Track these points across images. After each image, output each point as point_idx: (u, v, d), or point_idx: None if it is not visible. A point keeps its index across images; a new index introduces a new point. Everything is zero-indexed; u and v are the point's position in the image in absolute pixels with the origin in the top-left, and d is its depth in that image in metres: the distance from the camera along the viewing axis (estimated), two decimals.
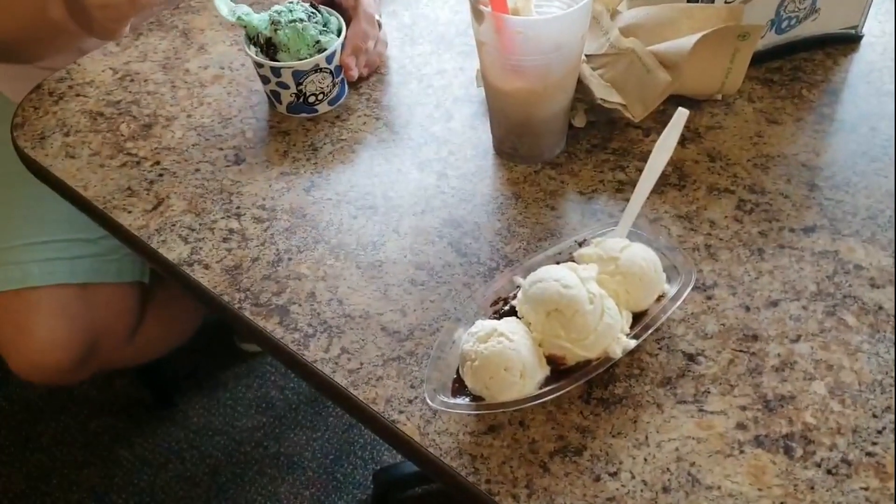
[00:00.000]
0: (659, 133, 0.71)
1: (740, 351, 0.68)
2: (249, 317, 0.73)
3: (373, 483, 1.52)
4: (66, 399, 1.69)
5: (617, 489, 0.60)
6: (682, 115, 0.69)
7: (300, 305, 0.73)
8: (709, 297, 0.71)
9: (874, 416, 0.63)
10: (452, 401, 0.63)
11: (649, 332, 0.65)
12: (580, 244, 0.71)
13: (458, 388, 0.64)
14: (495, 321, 0.64)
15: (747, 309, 0.70)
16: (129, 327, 1.24)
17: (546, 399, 0.62)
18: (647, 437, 0.63)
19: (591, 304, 0.63)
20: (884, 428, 0.62)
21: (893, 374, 0.65)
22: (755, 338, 0.68)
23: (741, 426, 0.63)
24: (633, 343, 0.64)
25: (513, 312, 0.66)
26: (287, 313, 0.73)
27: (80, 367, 1.17)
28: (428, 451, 0.63)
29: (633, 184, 0.72)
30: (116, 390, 1.71)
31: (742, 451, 0.62)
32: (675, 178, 0.81)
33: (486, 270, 0.74)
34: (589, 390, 0.66)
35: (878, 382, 0.65)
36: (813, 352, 0.67)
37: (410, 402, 0.66)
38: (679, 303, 0.66)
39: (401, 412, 0.66)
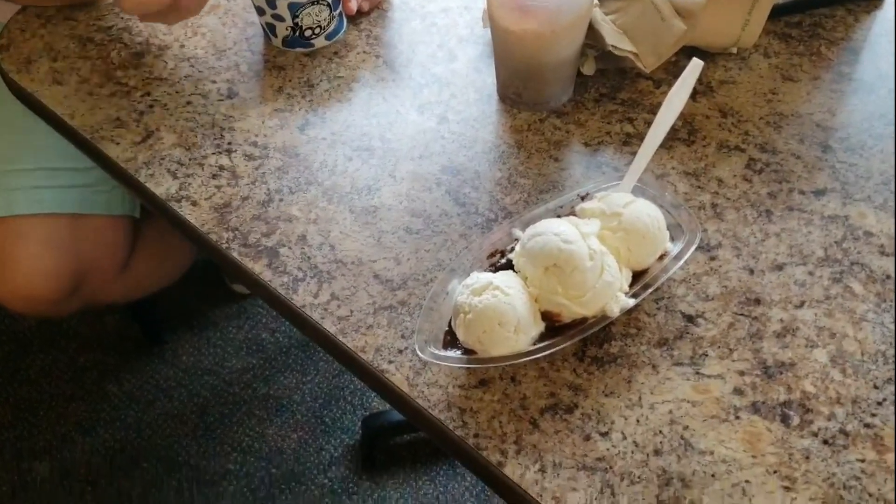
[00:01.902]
0: (671, 85, 0.68)
1: (741, 315, 0.66)
2: (237, 258, 0.70)
3: (361, 429, 1.52)
4: (55, 333, 1.68)
5: (607, 449, 0.59)
6: (696, 66, 0.66)
7: (290, 248, 0.71)
8: (712, 258, 0.69)
9: (875, 386, 0.61)
10: (443, 353, 0.61)
11: (649, 291, 0.63)
12: (583, 198, 0.68)
13: (450, 340, 0.62)
14: (491, 274, 0.62)
15: (751, 272, 0.68)
16: (118, 262, 1.21)
17: (539, 356, 0.60)
18: (640, 398, 0.61)
19: (591, 260, 0.60)
20: (884, 399, 0.61)
21: (894, 345, 0.63)
22: (758, 302, 0.66)
23: (738, 391, 0.61)
24: (631, 302, 0.62)
25: (509, 266, 0.63)
26: (276, 256, 0.70)
27: (67, 299, 1.15)
28: (416, 402, 0.62)
29: (641, 137, 0.69)
30: (107, 326, 1.70)
31: (738, 417, 0.60)
32: (684, 133, 0.78)
33: (484, 221, 0.72)
34: (583, 348, 0.64)
35: (882, 353, 0.63)
36: (816, 318, 0.65)
37: (400, 352, 0.64)
38: (681, 263, 0.64)
39: (390, 362, 0.64)
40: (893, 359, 0.63)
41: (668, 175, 0.75)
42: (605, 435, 0.60)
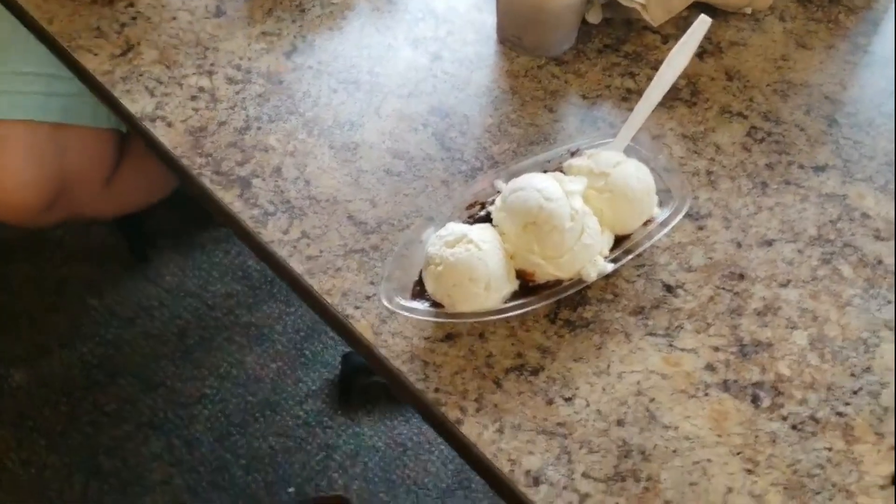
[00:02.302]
0: (678, 39, 0.64)
1: (723, 289, 0.63)
2: (208, 185, 0.68)
3: (341, 365, 1.51)
4: (40, 243, 1.66)
5: (569, 415, 0.57)
6: (703, 23, 0.62)
7: (263, 180, 0.68)
8: (700, 228, 0.67)
9: (852, 374, 0.59)
10: (410, 304, 0.59)
11: (629, 258, 0.60)
12: (572, 154, 0.65)
13: (419, 291, 0.60)
14: (467, 226, 0.59)
15: (739, 245, 0.66)
16: (103, 175, 1.18)
17: (509, 315, 0.58)
18: (608, 367, 0.59)
19: (572, 221, 0.58)
20: (860, 389, 0.59)
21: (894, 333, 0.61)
22: (741, 277, 0.64)
23: (710, 367, 0.60)
24: (609, 267, 0.60)
25: (488, 219, 0.61)
26: (248, 186, 0.68)
27: (49, 209, 1.13)
28: (379, 351, 0.60)
29: (641, 93, 0.66)
30: (93, 239, 1.67)
31: (706, 394, 0.58)
32: (686, 94, 0.75)
33: (469, 169, 0.69)
34: (556, 310, 0.62)
35: (863, 341, 0.61)
36: (801, 299, 0.63)
37: (368, 298, 0.62)
38: (666, 230, 0.62)
39: (356, 307, 0.62)
40: (876, 348, 0.61)
41: (665, 136, 0.72)
42: (568, 400, 0.58)
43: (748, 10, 0.80)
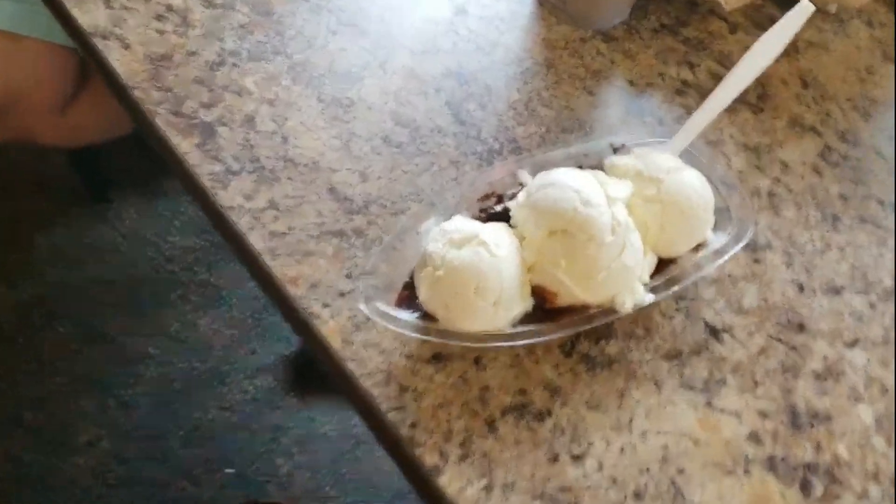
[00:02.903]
0: (748, 32, 0.53)
1: (778, 340, 0.51)
2: (162, 126, 0.54)
3: (300, 342, 1.38)
4: None
5: (577, 479, 0.45)
6: (804, 9, 0.50)
7: (231, 129, 0.55)
8: (756, 261, 0.55)
9: None
10: (394, 312, 0.46)
11: (673, 290, 0.48)
12: (615, 149, 0.53)
13: (408, 297, 0.47)
14: (479, 223, 0.47)
15: (801, 288, 0.54)
16: (56, 95, 1.04)
17: (518, 343, 0.46)
18: (631, 421, 0.47)
19: (613, 234, 0.45)
20: None
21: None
22: (801, 328, 0.52)
23: (755, 438, 0.48)
24: (649, 298, 0.48)
25: (505, 217, 0.48)
26: (212, 135, 0.54)
27: None
28: (346, 365, 0.47)
29: (700, 88, 0.54)
30: (51, 171, 1.52)
31: (747, 472, 0.47)
32: (753, 97, 0.62)
33: (486, 151, 0.56)
34: (573, 340, 0.50)
35: None
36: (868, 365, 0.51)
37: (342, 295, 0.49)
38: (721, 261, 0.49)
39: (325, 305, 0.49)
40: None
41: (723, 144, 0.60)
42: (577, 459, 0.46)
43: (832, 8, 0.67)
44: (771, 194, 0.58)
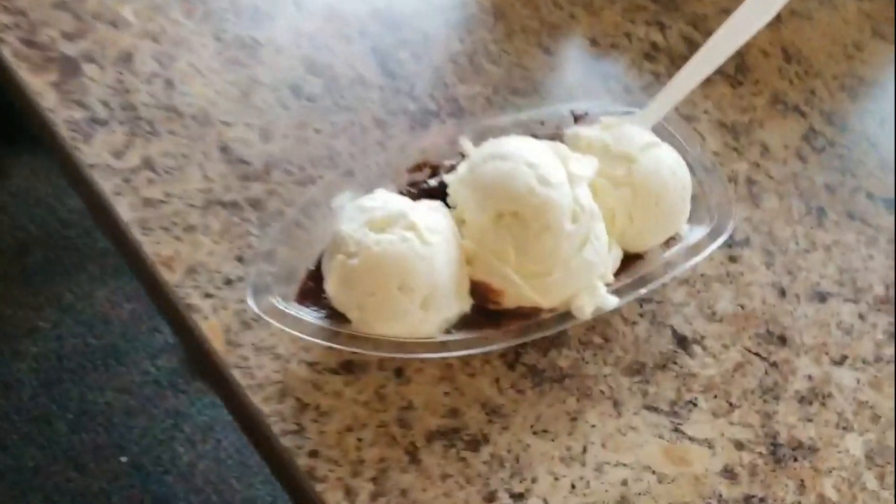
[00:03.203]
0: None
1: (757, 354, 0.43)
2: (8, 57, 0.42)
3: None
4: None
5: None
6: None
7: (102, 68, 0.43)
8: (732, 259, 0.46)
9: None
10: (293, 310, 0.36)
11: (641, 292, 0.39)
12: (577, 118, 0.43)
13: (313, 290, 0.37)
14: (408, 201, 0.37)
15: (782, 293, 0.46)
16: None
17: (451, 354, 0.36)
18: (584, 450, 0.39)
19: (574, 222, 0.36)
20: None
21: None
22: (782, 340, 0.44)
23: (729, 473, 0.40)
24: (612, 302, 0.39)
25: (441, 195, 0.38)
26: (75, 73, 0.43)
27: None
28: (230, 372, 0.37)
29: (671, 53, 0.46)
30: None
31: None
32: (730, 68, 0.54)
33: (419, 111, 0.46)
34: (519, 349, 0.40)
35: None
36: (858, 387, 0.44)
37: (229, 283, 0.39)
38: (698, 259, 0.41)
39: (207, 295, 0.38)
40: None
41: (697, 120, 0.51)
42: (519, 498, 0.37)
43: None
44: (750, 181, 0.50)
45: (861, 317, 0.46)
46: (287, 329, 0.35)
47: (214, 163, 0.42)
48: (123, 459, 1.17)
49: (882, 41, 0.59)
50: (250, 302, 0.35)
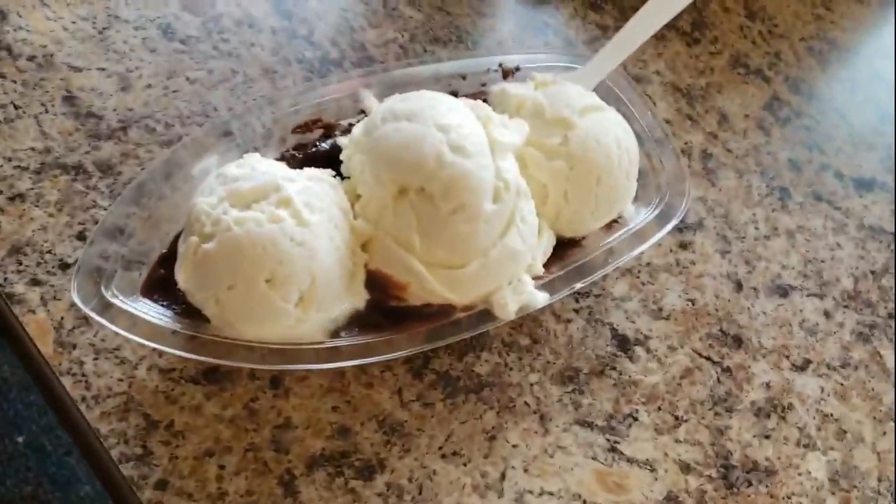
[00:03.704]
0: None
1: (708, 358, 0.37)
2: None
3: None
4: None
5: None
6: None
7: None
8: (683, 246, 0.40)
9: None
10: (133, 306, 0.28)
11: (577, 286, 0.32)
12: (506, 73, 0.36)
13: (162, 280, 0.29)
14: (285, 169, 0.29)
15: (738, 286, 0.39)
16: None
17: (336, 365, 0.29)
18: (503, 475, 0.32)
19: (496, 201, 0.29)
20: None
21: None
22: (738, 342, 0.38)
23: (673, 502, 0.33)
24: (542, 299, 0.32)
25: (332, 161, 0.31)
26: None
27: None
28: (59, 381, 0.29)
29: (619, 2, 0.38)
30: None
31: None
32: (686, 24, 0.47)
33: (319, 59, 0.38)
34: (428, 353, 0.33)
35: None
36: (822, 398, 0.38)
37: (65, 267, 0.31)
38: (645, 247, 0.34)
39: (35, 282, 0.30)
40: None
41: (648, 82, 0.44)
42: None
43: None
44: (705, 154, 0.43)
45: (827, 314, 0.40)
46: (120, 332, 0.27)
47: (56, 116, 0.34)
48: (20, 440, 1.07)
49: (857, 2, 0.53)
50: (74, 294, 0.27)
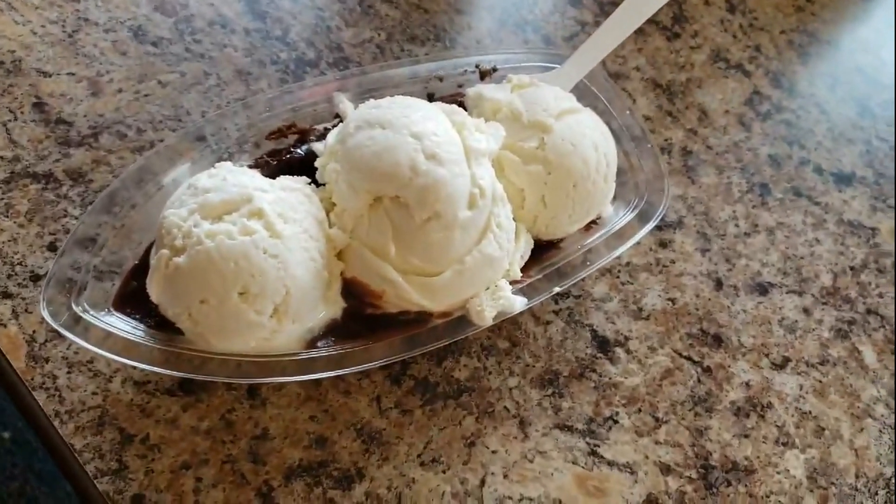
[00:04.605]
0: None
1: (688, 358, 0.37)
2: None
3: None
4: None
5: None
6: None
7: None
8: (663, 244, 0.40)
9: None
10: (103, 321, 0.28)
11: (555, 290, 0.32)
12: (483, 74, 0.36)
13: (134, 293, 0.29)
14: (258, 177, 0.28)
15: (718, 285, 0.39)
16: None
17: (312, 377, 0.29)
18: (483, 481, 0.32)
19: (472, 208, 0.29)
20: None
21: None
22: (718, 341, 0.38)
23: None
24: (520, 304, 0.32)
25: (308, 168, 0.30)
26: None
27: None
28: (32, 396, 0.29)
29: (602, 4, 0.37)
30: None
31: None
32: (666, 19, 0.47)
33: (294, 60, 0.38)
34: (406, 360, 0.33)
35: (885, 480, 0.37)
36: (801, 396, 0.38)
37: (36, 279, 0.30)
38: (625, 248, 0.34)
39: (5, 294, 0.30)
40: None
41: (627, 78, 0.44)
42: None
43: None
44: (685, 151, 0.43)
45: (806, 311, 0.40)
46: (91, 348, 0.27)
47: (26, 123, 0.33)
48: (6, 435, 1.07)
49: None
50: (43, 311, 0.27)
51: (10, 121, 0.33)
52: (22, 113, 0.33)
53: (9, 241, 0.31)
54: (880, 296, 0.42)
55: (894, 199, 0.45)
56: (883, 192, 0.45)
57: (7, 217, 0.31)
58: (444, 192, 0.28)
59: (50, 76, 0.34)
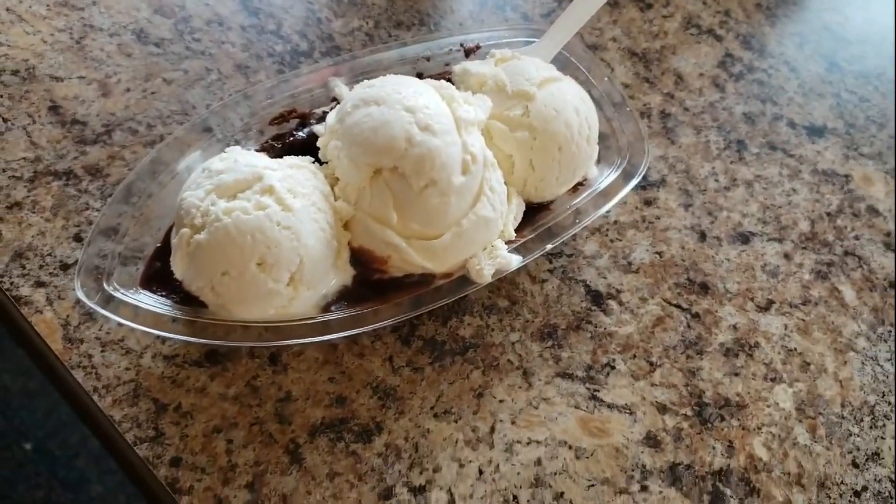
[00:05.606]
0: None
1: (677, 306, 0.39)
2: None
3: None
4: None
5: None
6: None
7: None
8: (647, 202, 0.42)
9: (854, 464, 0.38)
10: (134, 297, 0.30)
11: (548, 247, 0.35)
12: (468, 52, 0.38)
13: (162, 271, 0.31)
14: (265, 158, 0.31)
15: (702, 237, 0.42)
16: None
17: (330, 338, 0.31)
18: (492, 430, 0.34)
19: (465, 174, 0.31)
20: (863, 489, 0.37)
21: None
22: (704, 289, 0.40)
23: (652, 441, 0.36)
24: (516, 262, 0.34)
25: (310, 149, 0.33)
26: None
27: None
28: (73, 375, 0.31)
29: None
30: None
31: (644, 488, 0.35)
32: None
33: (289, 52, 0.40)
34: (413, 321, 0.36)
35: (870, 407, 0.39)
36: (786, 334, 0.40)
37: (65, 268, 0.33)
38: (611, 206, 0.36)
39: (39, 284, 0.32)
40: (891, 419, 0.39)
41: (605, 49, 0.46)
42: (420, 491, 0.32)
43: None
44: (664, 114, 0.45)
45: (786, 256, 0.43)
46: (125, 322, 0.29)
47: (44, 126, 0.35)
48: (27, 446, 1.09)
49: None
50: (79, 292, 0.29)
51: (29, 124, 0.35)
52: (39, 117, 0.36)
53: (37, 234, 0.33)
54: (856, 238, 0.44)
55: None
56: (854, 142, 0.48)
57: (34, 213, 0.34)
58: (439, 160, 0.31)
59: (62, 81, 0.37)
